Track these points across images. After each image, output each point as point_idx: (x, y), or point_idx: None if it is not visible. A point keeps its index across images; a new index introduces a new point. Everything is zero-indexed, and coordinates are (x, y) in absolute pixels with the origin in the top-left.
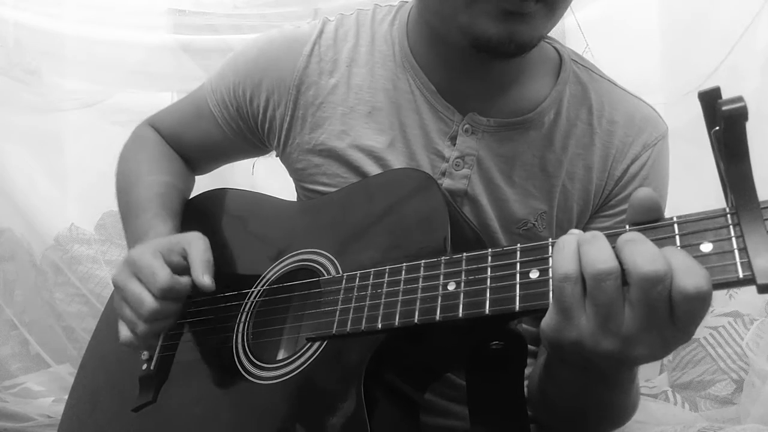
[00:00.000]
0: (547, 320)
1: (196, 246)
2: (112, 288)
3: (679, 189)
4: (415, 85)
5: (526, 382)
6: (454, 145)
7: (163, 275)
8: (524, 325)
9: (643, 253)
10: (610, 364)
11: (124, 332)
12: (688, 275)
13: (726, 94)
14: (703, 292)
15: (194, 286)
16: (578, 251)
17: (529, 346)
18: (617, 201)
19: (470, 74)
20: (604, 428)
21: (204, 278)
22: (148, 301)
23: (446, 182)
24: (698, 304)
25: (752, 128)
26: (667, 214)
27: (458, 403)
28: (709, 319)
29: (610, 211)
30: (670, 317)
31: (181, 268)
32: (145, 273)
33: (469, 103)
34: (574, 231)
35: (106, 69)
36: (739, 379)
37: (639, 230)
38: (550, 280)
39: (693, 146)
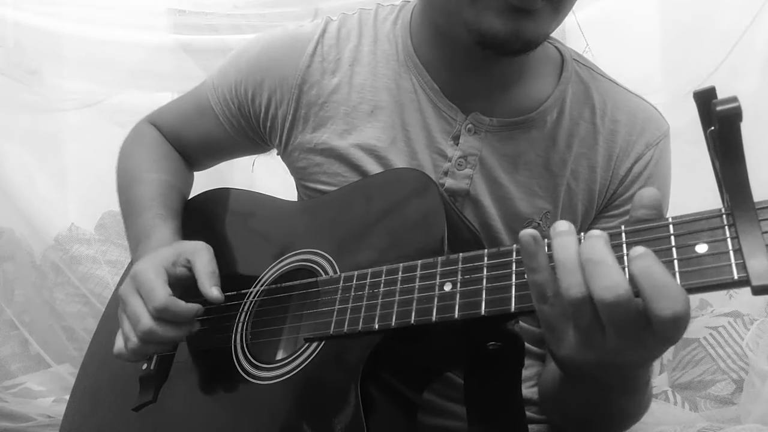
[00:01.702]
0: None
1: (201, 257)
2: (113, 288)
3: (679, 189)
4: (419, 84)
5: (531, 383)
6: (457, 144)
7: (160, 295)
8: (525, 324)
9: (601, 280)
10: (608, 373)
11: (118, 344)
12: (663, 299)
13: (725, 95)
14: (679, 315)
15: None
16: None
17: (532, 347)
18: (622, 201)
19: (474, 73)
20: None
21: (212, 290)
22: (144, 320)
23: (448, 182)
24: (676, 325)
25: (751, 129)
26: (668, 213)
27: (457, 403)
28: (709, 319)
29: (615, 211)
30: (649, 331)
31: (185, 279)
32: (144, 290)
33: (472, 103)
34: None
35: (106, 69)
36: (739, 379)
37: (635, 231)
38: None
39: (693, 146)
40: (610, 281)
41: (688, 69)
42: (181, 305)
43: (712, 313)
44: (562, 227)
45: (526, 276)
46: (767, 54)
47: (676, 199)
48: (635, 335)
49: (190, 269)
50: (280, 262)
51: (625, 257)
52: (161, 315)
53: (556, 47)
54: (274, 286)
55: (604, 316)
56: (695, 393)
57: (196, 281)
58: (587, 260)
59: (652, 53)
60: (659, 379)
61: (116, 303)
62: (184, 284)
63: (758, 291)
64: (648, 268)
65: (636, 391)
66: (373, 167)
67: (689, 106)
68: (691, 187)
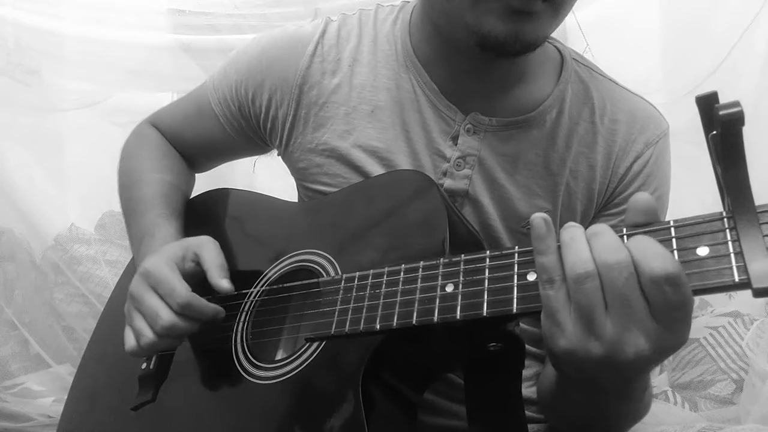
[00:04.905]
0: (543, 328)
1: (209, 250)
2: (112, 288)
3: (679, 189)
4: (418, 84)
5: (530, 383)
6: (456, 144)
7: (183, 291)
8: (524, 325)
9: (604, 245)
10: (607, 375)
11: (131, 341)
12: (654, 259)
13: (725, 95)
14: (672, 275)
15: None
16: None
17: (531, 348)
18: (621, 199)
19: (473, 73)
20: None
21: (222, 282)
22: (165, 316)
23: (447, 182)
24: (671, 291)
25: (750, 129)
26: (668, 212)
27: (458, 403)
28: (709, 319)
29: (615, 210)
30: (648, 311)
31: (195, 273)
32: (164, 287)
33: (471, 103)
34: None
35: (106, 69)
36: (739, 379)
37: (636, 233)
38: None
39: (693, 146)
40: (613, 245)
41: (688, 69)
42: (204, 302)
43: (712, 313)
44: (572, 223)
45: (534, 259)
46: (767, 54)
47: (675, 198)
48: (637, 319)
49: (198, 264)
50: (281, 263)
51: None
52: (184, 311)
53: (555, 47)
54: (275, 286)
55: (606, 285)
56: (695, 393)
57: (206, 275)
58: (592, 234)
59: (652, 53)
60: (659, 379)
61: (115, 304)
62: (193, 279)
63: (759, 293)
64: (639, 238)
65: (632, 398)
66: (374, 168)
67: (689, 106)
68: (689, 186)
